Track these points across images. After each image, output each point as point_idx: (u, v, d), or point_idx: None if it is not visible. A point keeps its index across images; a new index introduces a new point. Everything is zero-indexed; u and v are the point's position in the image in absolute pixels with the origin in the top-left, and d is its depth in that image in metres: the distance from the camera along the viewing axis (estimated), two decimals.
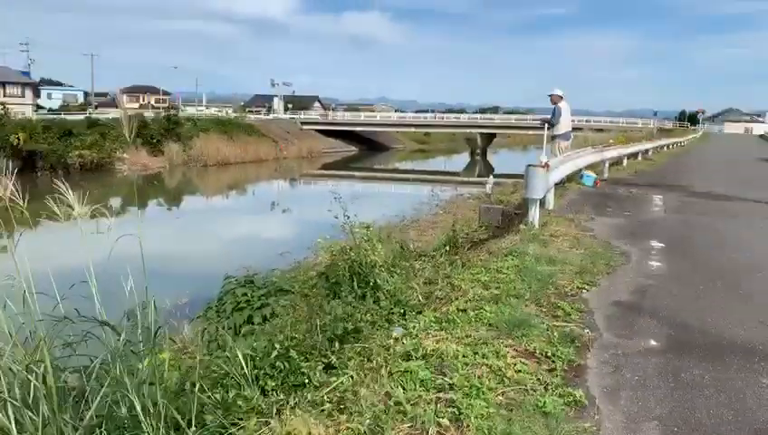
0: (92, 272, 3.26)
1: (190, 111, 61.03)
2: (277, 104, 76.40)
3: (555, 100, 11.85)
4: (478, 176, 36.62)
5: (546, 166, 7.52)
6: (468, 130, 66.96)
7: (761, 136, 68.39)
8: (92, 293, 3.26)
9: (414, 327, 4.38)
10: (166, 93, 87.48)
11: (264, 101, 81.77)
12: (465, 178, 38.57)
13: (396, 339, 4.25)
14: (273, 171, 46.30)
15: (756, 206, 10.73)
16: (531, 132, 55.52)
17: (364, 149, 63.94)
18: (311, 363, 4.18)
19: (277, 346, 4.16)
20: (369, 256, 5.94)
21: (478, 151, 65.25)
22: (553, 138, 11.92)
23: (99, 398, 2.99)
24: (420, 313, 4.97)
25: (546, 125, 12.00)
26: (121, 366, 3.11)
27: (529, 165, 7.45)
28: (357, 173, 50.29)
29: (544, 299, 4.81)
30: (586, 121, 51.20)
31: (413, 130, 68.95)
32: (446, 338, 4.03)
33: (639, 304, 4.85)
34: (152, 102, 77.03)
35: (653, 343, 4.02)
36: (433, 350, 3.76)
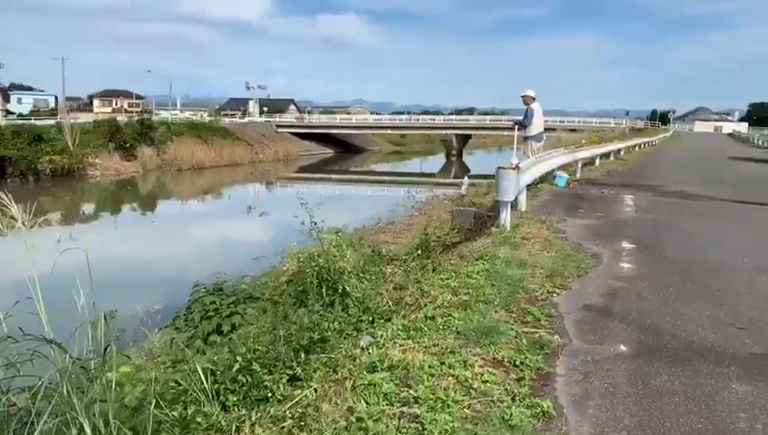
0: (38, 286, 3.12)
1: (164, 114, 60.33)
2: (252, 107, 75.94)
3: (527, 101, 11.84)
4: (454, 177, 36.68)
5: (517, 168, 7.47)
6: (443, 132, 67.18)
7: (729, 134, 69.67)
8: (46, 307, 3.13)
9: (381, 336, 4.28)
10: (139, 97, 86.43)
11: (239, 105, 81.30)
12: (441, 180, 38.66)
13: (363, 348, 4.15)
14: (249, 175, 45.98)
15: (725, 204, 10.83)
16: (506, 133, 55.77)
17: (340, 151, 63.81)
18: (274, 376, 4.04)
19: (239, 359, 4.02)
20: (337, 263, 5.82)
21: (454, 153, 65.44)
22: (526, 139, 11.92)
23: (44, 419, 2.83)
24: (389, 320, 4.87)
25: (518, 127, 12.00)
26: (69, 385, 2.97)
27: (499, 167, 7.39)
28: (333, 176, 50.15)
29: (514, 304, 4.73)
30: (560, 122, 51.68)
31: (389, 131, 68.95)
32: (414, 347, 3.93)
33: (610, 307, 4.79)
34: (125, 106, 76.07)
35: (623, 348, 3.96)
36: (399, 360, 3.65)
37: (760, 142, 45.06)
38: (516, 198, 9.58)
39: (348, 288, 5.64)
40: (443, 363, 3.59)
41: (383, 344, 4.06)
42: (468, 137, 68.56)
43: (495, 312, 4.56)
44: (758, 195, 12.30)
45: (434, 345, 3.90)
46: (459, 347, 3.85)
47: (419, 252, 8.32)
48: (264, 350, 4.18)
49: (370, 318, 5.18)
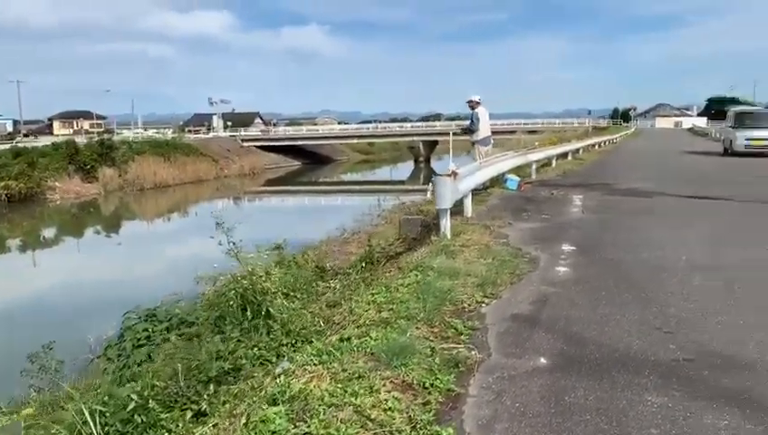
0: None
1: (127, 134, 59.46)
2: (216, 122, 75.26)
3: (473, 105, 11.75)
4: (423, 183, 36.58)
5: (453, 174, 7.29)
6: (411, 139, 67.33)
7: (689, 129, 70.94)
8: None
9: (295, 362, 4.03)
10: (100, 117, 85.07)
11: (203, 120, 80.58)
12: (410, 187, 38.53)
13: (275, 377, 3.90)
14: (214, 191, 45.46)
15: (673, 200, 10.81)
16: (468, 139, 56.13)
17: (308, 162, 63.52)
18: (174, 413, 3.75)
19: (134, 397, 3.72)
20: (261, 284, 5.56)
21: (422, 159, 65.58)
22: (473, 144, 11.81)
23: None
24: (311, 342, 4.62)
25: (466, 132, 11.90)
26: None
27: (435, 174, 7.21)
28: (302, 187, 49.85)
29: (438, 318, 4.51)
30: (517, 124, 52.04)
31: (356, 141, 68.87)
32: (321, 374, 3.67)
33: (537, 316, 4.61)
34: (86, 127, 74.70)
35: (543, 361, 3.76)
36: (300, 390, 3.40)
37: (717, 136, 45.87)
38: (463, 204, 9.44)
39: (272, 310, 5.38)
40: (346, 391, 3.34)
41: (292, 372, 3.81)
42: (435, 143, 68.76)
43: (417, 328, 4.33)
44: (708, 189, 12.34)
45: (342, 370, 3.65)
46: (369, 371, 3.60)
47: (363, 265, 8.10)
48: (162, 386, 3.89)
49: (293, 341, 4.94)
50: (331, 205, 35.57)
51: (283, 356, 4.62)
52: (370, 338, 4.12)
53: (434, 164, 63.41)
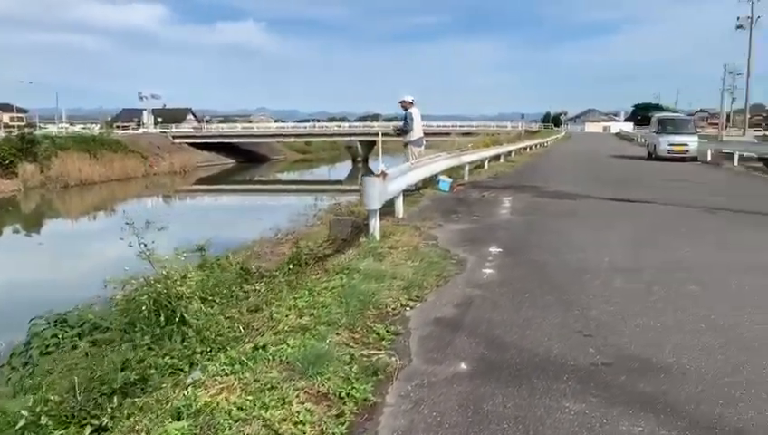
0: None
1: (52, 128, 56.70)
2: (147, 118, 72.78)
3: (406, 105, 11.68)
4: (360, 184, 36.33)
5: (383, 175, 7.17)
6: (348, 139, 67.08)
7: (616, 134, 73.78)
8: None
9: (206, 372, 3.79)
10: (21, 111, 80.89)
11: (133, 116, 77.80)
12: (347, 187, 38.30)
13: (186, 388, 3.65)
14: (143, 189, 43.88)
15: (597, 203, 11.08)
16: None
17: (243, 161, 62.30)
18: (70, 430, 3.45)
19: (25, 413, 3.40)
20: (174, 288, 5.26)
21: (360, 159, 65.46)
22: (406, 145, 11.76)
23: None
24: (226, 350, 4.38)
25: (399, 133, 11.83)
26: None
27: (364, 175, 7.07)
28: (237, 186, 48.76)
29: (360, 323, 4.37)
30: (452, 126, 52.70)
31: (292, 140, 68.08)
32: (232, 385, 3.45)
33: (461, 319, 4.53)
34: (6, 121, 70.91)
35: (463, 367, 3.67)
36: (207, 404, 3.18)
37: (642, 140, 47.88)
38: (394, 205, 9.35)
39: (186, 316, 5.10)
40: (256, 404, 3.14)
41: (202, 383, 3.58)
42: (373, 143, 68.66)
43: (337, 334, 4.16)
44: (631, 192, 12.74)
45: (255, 381, 3.45)
46: (282, 381, 3.41)
47: (290, 267, 7.88)
48: (58, 400, 3.58)
49: (208, 349, 4.68)
50: (266, 204, 34.87)
51: (197, 365, 4.37)
52: (287, 345, 3.93)
53: (372, 164, 63.48)
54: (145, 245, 5.43)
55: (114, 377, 3.95)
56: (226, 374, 3.64)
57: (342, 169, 63.58)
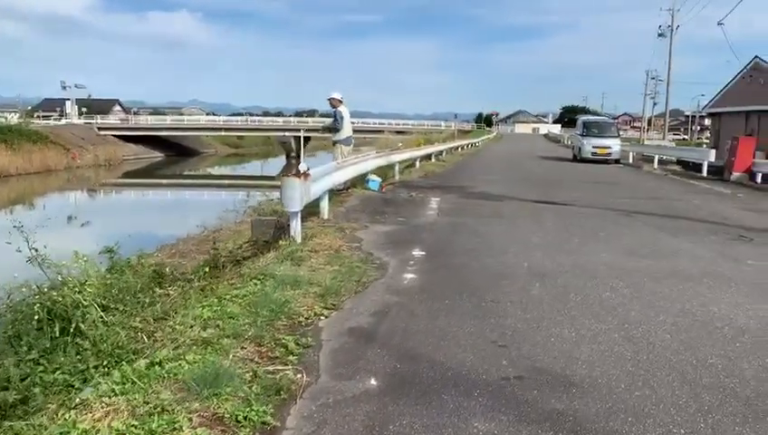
0: None
1: None
2: (70, 108, 69.38)
3: (335, 103, 11.45)
4: None
5: (304, 175, 6.92)
6: (282, 134, 66.07)
7: (545, 135, 75.92)
8: None
9: (95, 392, 3.46)
10: None
11: (55, 105, 74.05)
12: (280, 183, 37.51)
13: (71, 409, 3.31)
14: (65, 182, 41.78)
15: (521, 205, 11.20)
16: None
17: (172, 154, 60.40)
18: None
19: None
20: (70, 296, 4.85)
21: (293, 154, 64.59)
22: (335, 143, 11.54)
23: None
24: (122, 365, 4.04)
25: (329, 131, 11.60)
26: None
27: (283, 174, 6.81)
28: (164, 181, 47.16)
29: (269, 336, 4.12)
30: (387, 124, 52.78)
31: (223, 133, 66.52)
32: (120, 408, 3.15)
33: (375, 329, 4.36)
34: None
35: (373, 383, 3.49)
36: (85, 431, 2.87)
37: (569, 142, 49.37)
38: (320, 205, 9.11)
39: (83, 326, 4.70)
40: (143, 429, 2.87)
41: (88, 404, 3.25)
42: (308, 139, 68.10)
43: (242, 348, 3.91)
44: (554, 194, 12.98)
45: (145, 403, 3.15)
46: (175, 403, 3.14)
47: (207, 269, 7.51)
48: None
49: (103, 363, 4.31)
50: (196, 200, 33.81)
51: (90, 381, 4.02)
52: (186, 362, 3.64)
53: (307, 160, 62.75)
54: (36, 249, 4.98)
55: None
56: (116, 395, 3.33)
57: (276, 164, 62.50)
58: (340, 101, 11.48)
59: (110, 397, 3.30)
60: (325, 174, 8.51)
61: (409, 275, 5.83)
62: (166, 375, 3.50)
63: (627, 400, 3.25)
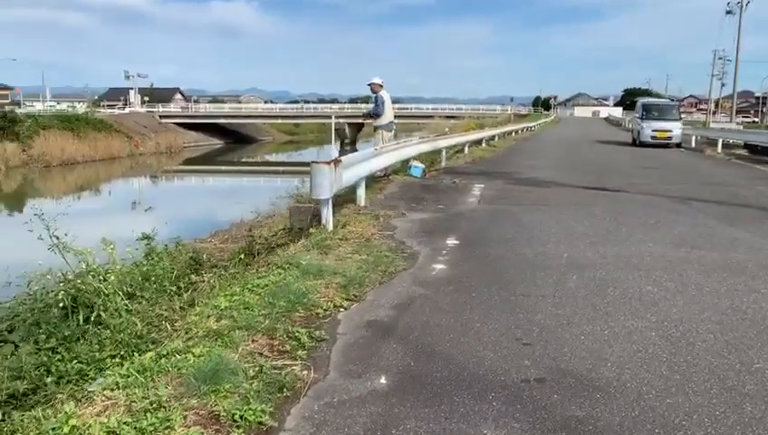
0: None
1: (39, 106, 55.74)
2: (133, 97, 71.76)
3: (376, 89, 11.25)
4: None
5: (335, 162, 6.76)
6: (337, 121, 66.33)
7: (605, 118, 73.45)
8: None
9: (100, 384, 3.41)
10: (5, 88, 79.53)
11: (120, 95, 76.85)
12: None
13: (79, 401, 3.28)
14: (128, 169, 43.27)
15: (570, 191, 10.71)
16: (398, 121, 55.94)
17: (230, 142, 61.64)
18: None
19: None
20: (94, 284, 4.86)
21: (347, 141, 64.84)
22: (376, 129, 11.35)
23: None
24: (135, 355, 3.99)
25: (370, 117, 11.42)
26: None
27: (313, 162, 6.66)
28: (223, 167, 48.20)
29: (282, 328, 3.98)
30: (435, 109, 52.03)
31: (280, 121, 67.40)
32: (118, 403, 3.08)
33: (395, 323, 4.16)
34: None
35: (383, 381, 3.30)
36: (74, 428, 2.80)
37: (629, 126, 47.57)
38: (356, 192, 8.96)
39: (104, 315, 4.70)
40: (135, 428, 2.77)
41: (89, 398, 3.20)
42: (362, 125, 68.16)
43: (253, 340, 3.79)
44: (607, 180, 12.41)
45: (143, 398, 3.07)
46: (173, 399, 3.04)
47: (242, 257, 7.50)
48: None
49: (121, 353, 4.30)
50: (252, 186, 34.39)
51: (104, 371, 3.99)
52: (192, 355, 3.55)
53: (361, 146, 62.88)
54: (57, 237, 5.01)
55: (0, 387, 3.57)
56: (119, 388, 3.26)
57: (330, 151, 62.93)
58: (381, 86, 11.27)
59: (112, 390, 3.24)
60: (360, 161, 8.34)
61: (439, 266, 5.60)
62: (170, 369, 3.40)
63: (656, 408, 2.95)
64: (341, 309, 4.45)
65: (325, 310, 4.40)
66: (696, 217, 8.27)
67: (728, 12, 42.92)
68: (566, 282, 5.09)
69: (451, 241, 6.58)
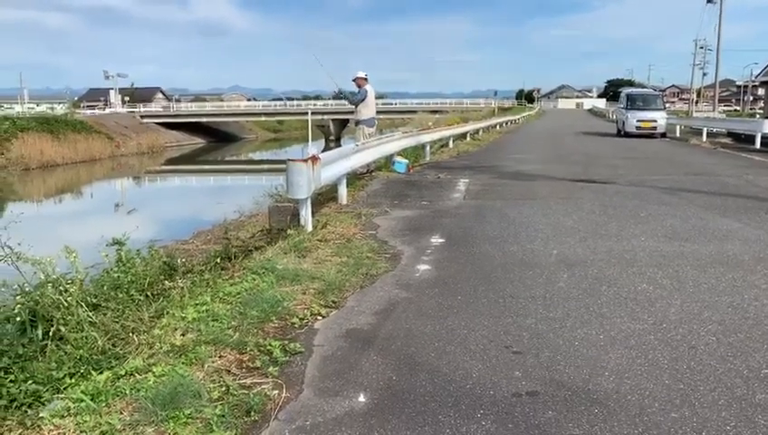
0: None
1: (18, 108, 54.84)
2: (114, 97, 70.82)
3: (360, 83, 10.96)
4: None
5: (313, 160, 6.45)
6: (320, 117, 65.86)
7: (589, 110, 73.60)
8: None
9: (52, 410, 3.10)
10: None
11: (100, 95, 75.90)
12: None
13: (28, 428, 2.97)
14: (109, 171, 42.63)
15: (556, 184, 10.47)
16: (382, 117, 55.64)
17: (213, 140, 61.05)
18: None
19: None
20: (53, 296, 4.52)
21: (332, 138, 64.42)
22: (357, 123, 11.05)
23: None
24: (101, 373, 3.67)
25: (347, 100, 11.12)
26: None
27: (289, 160, 6.35)
28: (206, 167, 47.70)
29: (254, 341, 3.68)
30: (418, 104, 51.78)
31: (263, 118, 66.76)
32: (69, 431, 2.78)
33: (376, 331, 3.87)
34: None
35: (361, 399, 3.01)
36: None
37: (613, 117, 47.61)
38: (337, 190, 8.66)
39: (63, 330, 4.36)
40: None
41: (36, 428, 2.89)
42: (346, 121, 67.75)
43: (220, 356, 3.49)
44: (593, 172, 12.21)
45: (95, 426, 2.77)
46: (128, 427, 2.74)
47: (218, 260, 7.16)
48: None
49: (79, 371, 3.95)
50: (236, 185, 34.00)
51: (60, 392, 3.66)
52: (153, 374, 3.24)
53: (345, 142, 62.48)
54: (10, 247, 4.64)
55: None
56: (70, 415, 2.96)
57: (315, 148, 62.50)
58: (365, 80, 10.98)
59: (62, 417, 2.94)
60: (340, 158, 8.03)
61: (423, 267, 5.32)
62: (127, 391, 3.10)
63: (660, 423, 2.68)
64: (319, 317, 4.16)
65: (301, 319, 4.10)
66: (686, 208, 8.05)
67: (709, 1, 42.91)
68: (557, 281, 4.83)
69: (435, 239, 6.30)
